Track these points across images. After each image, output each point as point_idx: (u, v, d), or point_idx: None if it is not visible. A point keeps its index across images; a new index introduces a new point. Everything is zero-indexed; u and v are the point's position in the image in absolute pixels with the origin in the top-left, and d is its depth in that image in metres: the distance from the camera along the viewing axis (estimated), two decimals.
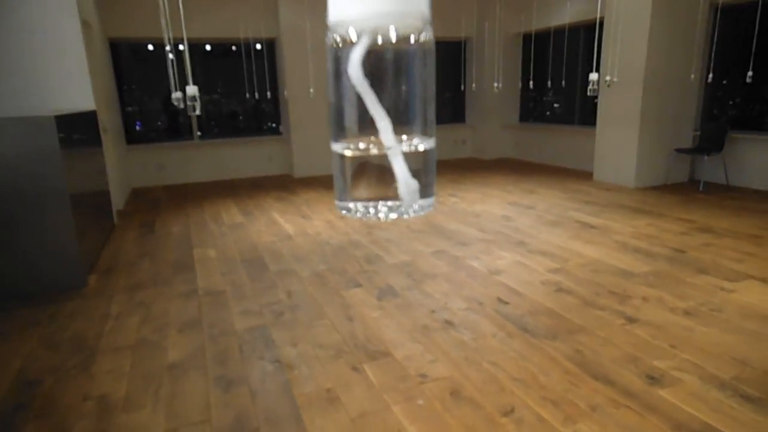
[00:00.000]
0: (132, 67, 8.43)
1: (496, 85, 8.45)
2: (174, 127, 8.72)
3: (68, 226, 3.62)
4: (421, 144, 0.40)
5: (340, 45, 0.36)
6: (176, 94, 3.10)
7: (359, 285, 3.62)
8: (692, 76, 6.41)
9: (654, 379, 2.34)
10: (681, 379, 2.33)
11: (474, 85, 9.61)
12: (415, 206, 0.40)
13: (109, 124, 6.47)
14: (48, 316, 3.26)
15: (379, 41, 0.35)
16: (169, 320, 3.15)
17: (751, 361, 2.47)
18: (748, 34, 6.36)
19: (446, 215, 5.62)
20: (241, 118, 9.23)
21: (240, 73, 8.59)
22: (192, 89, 2.70)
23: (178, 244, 4.83)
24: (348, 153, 0.41)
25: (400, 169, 0.38)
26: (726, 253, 4.05)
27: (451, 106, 10.37)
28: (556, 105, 9.45)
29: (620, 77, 6.57)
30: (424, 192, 0.41)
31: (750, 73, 4.84)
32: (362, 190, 0.42)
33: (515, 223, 5.17)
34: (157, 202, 6.86)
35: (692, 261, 3.89)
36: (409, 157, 0.41)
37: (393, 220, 0.41)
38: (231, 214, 6.04)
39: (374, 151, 0.41)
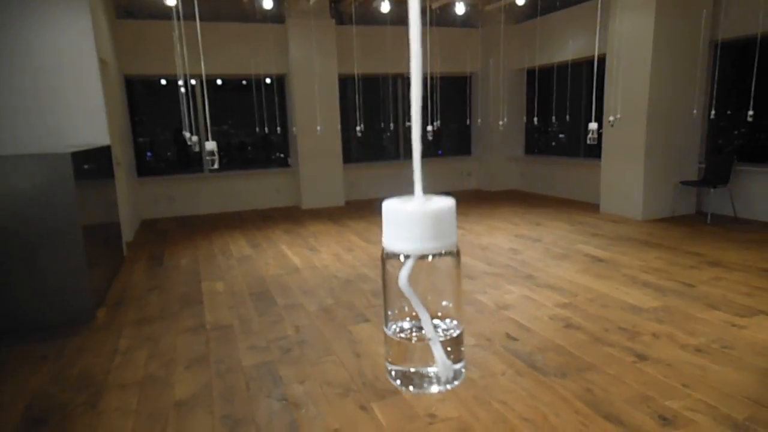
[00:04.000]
0: (145, 99, 8.62)
1: (501, 122, 8.56)
2: (184, 159, 8.87)
3: (79, 260, 3.66)
4: (455, 330, 0.51)
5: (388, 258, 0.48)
6: (193, 138, 3.16)
7: (367, 320, 3.62)
8: (694, 111, 6.47)
9: (667, 420, 2.30)
10: (694, 420, 2.29)
11: (480, 119, 9.74)
12: (454, 383, 0.50)
13: (122, 157, 6.59)
14: (56, 351, 3.27)
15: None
16: (177, 356, 3.15)
17: (765, 400, 2.43)
18: (748, 68, 6.45)
19: None
20: (249, 148, 9.37)
21: (250, 107, 8.76)
22: (211, 145, 2.74)
23: (187, 277, 4.86)
24: (398, 339, 0.49)
25: (440, 355, 0.48)
26: (737, 287, 4.02)
27: (456, 139, 10.49)
28: (561, 135, 9.52)
29: (623, 112, 6.64)
30: (458, 370, 0.51)
31: (751, 112, 4.86)
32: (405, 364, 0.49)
33: (522, 256, 5.16)
34: (166, 234, 6.92)
35: (702, 296, 3.86)
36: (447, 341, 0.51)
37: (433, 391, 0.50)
38: (239, 246, 6.08)
39: (416, 340, 0.51)
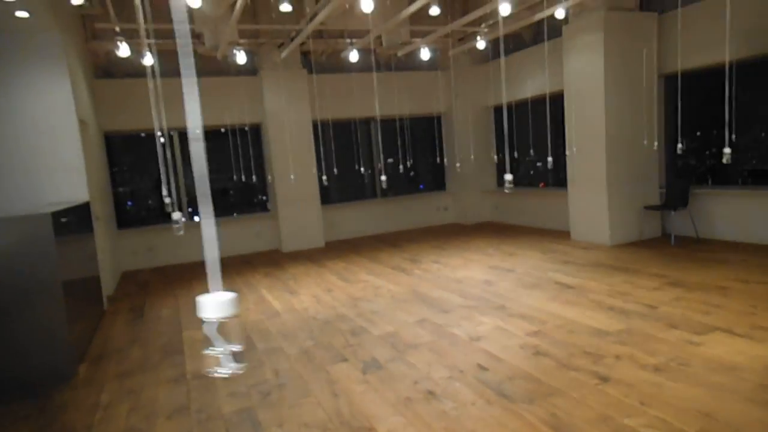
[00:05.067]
0: (127, 148, 8.77)
1: (471, 156, 8.88)
2: (164, 208, 8.98)
3: (59, 317, 3.74)
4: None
5: None
6: (166, 200, 3.33)
7: (345, 359, 3.73)
8: (645, 141, 6.82)
9: None
10: None
11: (446, 158, 10.10)
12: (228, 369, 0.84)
13: (101, 211, 6.69)
14: (38, 409, 3.31)
15: None
16: (158, 407, 3.22)
17: (715, 413, 2.59)
18: (695, 98, 6.88)
19: (430, 282, 5.78)
20: (231, 192, 9.54)
21: (229, 154, 8.98)
22: (176, 215, 2.93)
23: (168, 327, 4.92)
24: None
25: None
26: (695, 306, 4.23)
27: (431, 175, 10.79)
28: (539, 164, 9.87)
29: (584, 143, 6.99)
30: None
31: (680, 145, 5.12)
32: None
33: (496, 288, 5.34)
34: (146, 286, 6.97)
35: (663, 316, 4.06)
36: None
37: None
38: None
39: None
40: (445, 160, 10.45)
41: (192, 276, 7.33)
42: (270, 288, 6.18)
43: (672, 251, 6.28)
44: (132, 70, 8.01)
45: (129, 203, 8.81)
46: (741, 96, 6.19)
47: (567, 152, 7.20)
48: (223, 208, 9.40)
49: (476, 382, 3.18)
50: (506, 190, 3.06)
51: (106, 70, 8.17)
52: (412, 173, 10.71)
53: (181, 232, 3.00)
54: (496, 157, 9.64)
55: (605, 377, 3.09)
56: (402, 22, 7.52)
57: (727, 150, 4.37)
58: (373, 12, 7.00)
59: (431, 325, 4.33)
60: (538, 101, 8.73)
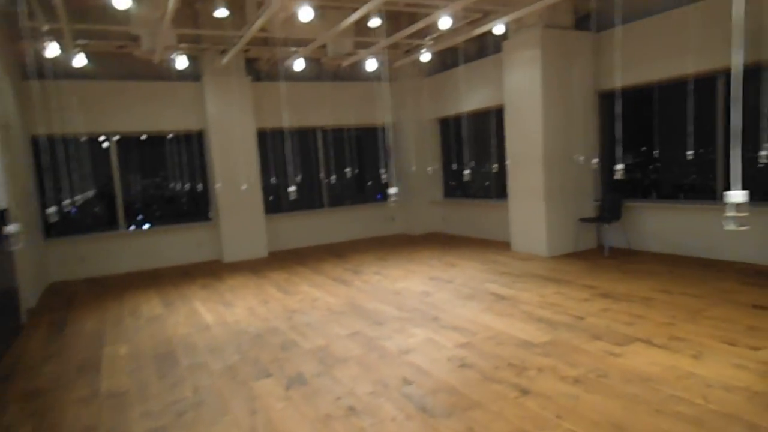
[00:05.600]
0: (58, 158, 8.34)
1: (413, 167, 8.93)
2: (103, 216, 8.62)
3: None
4: None
5: None
6: (49, 210, 3.16)
7: (270, 375, 3.62)
8: (575, 156, 7.02)
9: None
10: None
11: (392, 169, 10.13)
12: None
13: (24, 219, 6.31)
14: None
15: None
16: (63, 429, 3.01)
17: (626, 425, 2.64)
18: (636, 114, 7.17)
19: (368, 294, 5.73)
20: (183, 201, 9.23)
21: (172, 160, 8.71)
22: (13, 228, 2.79)
23: (89, 342, 4.66)
24: None
25: None
26: (619, 317, 4.35)
27: (377, 185, 10.78)
28: (485, 183, 10.02)
29: (523, 156, 7.16)
30: None
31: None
32: None
33: (433, 299, 5.35)
34: (74, 297, 6.62)
35: (589, 327, 4.15)
36: None
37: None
38: (151, 305, 5.91)
39: None
40: (386, 170, 10.48)
41: (125, 287, 7.02)
42: (205, 300, 5.98)
43: (605, 262, 6.48)
44: (65, 71, 7.64)
45: (73, 210, 8.39)
46: (674, 112, 6.48)
47: (507, 164, 7.34)
48: (165, 217, 9.08)
49: (399, 396, 3.14)
50: (391, 204, 3.03)
51: (36, 71, 7.76)
52: (369, 183, 10.67)
53: (19, 245, 2.82)
54: (430, 169, 9.78)
55: (526, 390, 3.11)
56: (347, 32, 7.51)
57: (619, 166, 4.60)
58: (316, 21, 6.96)
59: (363, 338, 4.28)
60: (484, 113, 8.89)
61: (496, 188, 9.19)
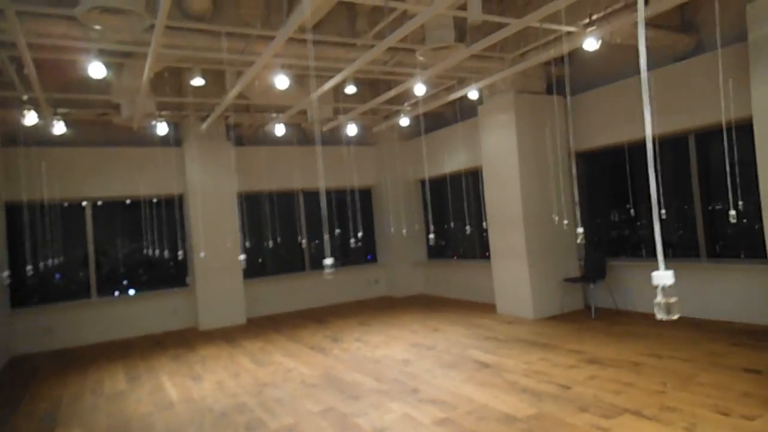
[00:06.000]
0: (35, 225, 8.13)
1: (391, 228, 8.84)
2: (76, 284, 8.34)
3: None
4: None
5: None
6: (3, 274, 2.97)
7: None
8: (552, 215, 6.96)
9: None
10: None
11: (379, 229, 10.06)
12: None
13: None
14: None
15: None
16: None
17: None
18: (608, 174, 7.20)
19: (346, 363, 5.45)
20: (148, 266, 8.96)
21: (152, 225, 8.55)
22: None
23: (38, 427, 4.30)
24: None
25: None
26: (608, 385, 4.12)
27: (363, 247, 10.63)
28: (472, 241, 9.93)
29: (503, 216, 7.10)
30: None
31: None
32: None
33: (413, 368, 5.08)
34: (34, 373, 6.23)
35: (575, 398, 3.91)
36: None
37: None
38: (115, 380, 5.56)
39: None
40: (377, 232, 10.41)
41: (92, 359, 6.64)
42: (172, 373, 5.65)
43: (591, 324, 6.28)
44: (44, 138, 7.60)
45: (57, 276, 8.13)
46: (655, 170, 6.48)
47: (485, 226, 7.27)
48: (142, 283, 8.79)
49: None
50: (326, 277, 2.89)
51: (11, 138, 7.70)
52: (359, 243, 10.50)
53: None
54: (417, 227, 9.71)
55: None
56: (325, 99, 7.61)
57: (579, 230, 4.56)
58: (295, 88, 7.06)
59: (336, 415, 3.99)
60: (463, 175, 8.92)
61: (480, 249, 9.08)
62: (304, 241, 9.77)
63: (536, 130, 7.02)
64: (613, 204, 7.34)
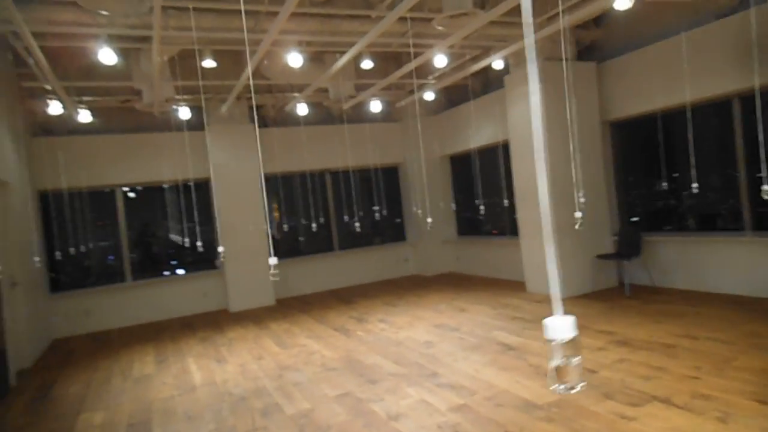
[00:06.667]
0: (75, 211, 8.37)
1: (415, 208, 8.67)
2: (149, 259, 8.63)
3: None
4: None
5: None
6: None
7: None
8: (581, 196, 6.59)
9: None
10: None
11: (415, 208, 9.91)
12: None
13: (23, 276, 6.24)
14: None
15: None
16: None
17: None
18: (642, 144, 6.78)
19: (368, 345, 5.39)
20: (177, 249, 9.15)
21: (179, 210, 8.69)
22: None
23: (67, 409, 4.43)
24: None
25: None
26: (637, 369, 3.90)
27: (391, 225, 10.52)
28: (502, 216, 9.68)
29: (530, 191, 6.81)
30: None
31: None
32: None
33: (435, 350, 4.97)
34: (71, 356, 6.45)
35: (601, 383, 3.72)
36: None
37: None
38: (144, 363, 5.68)
39: None
40: (405, 210, 10.27)
41: (125, 341, 6.83)
42: (199, 356, 5.73)
43: (625, 303, 6.00)
44: (72, 127, 7.75)
45: (110, 258, 8.44)
46: (693, 138, 6.08)
47: (515, 201, 7.00)
48: (170, 266, 8.98)
49: None
50: (272, 278, 2.76)
51: (44, 128, 7.89)
52: (396, 219, 10.42)
53: None
54: (454, 205, 9.49)
55: None
56: (346, 75, 7.43)
57: (577, 214, 4.24)
58: (315, 66, 6.91)
59: (352, 400, 3.93)
60: (492, 149, 8.63)
61: (509, 225, 8.81)
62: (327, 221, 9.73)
63: (565, 100, 6.65)
64: (647, 176, 6.93)
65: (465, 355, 4.74)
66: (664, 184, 6.44)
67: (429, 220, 6.32)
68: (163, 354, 6.00)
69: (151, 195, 8.92)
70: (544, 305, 6.34)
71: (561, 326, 1.02)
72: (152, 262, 8.83)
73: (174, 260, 9.02)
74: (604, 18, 6.74)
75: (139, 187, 8.67)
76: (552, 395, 3.59)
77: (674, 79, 5.93)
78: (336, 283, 9.54)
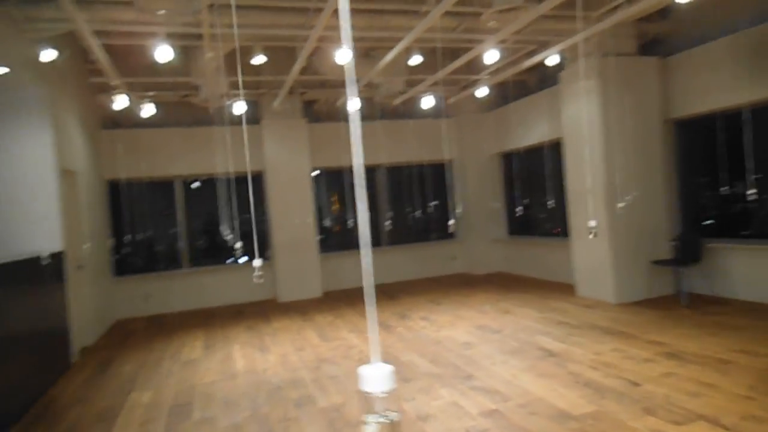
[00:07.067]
0: (137, 201, 8.87)
1: (459, 208, 8.53)
2: (213, 248, 9.10)
3: None
4: None
5: None
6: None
7: None
8: (632, 194, 6.27)
9: None
10: None
11: (454, 206, 9.81)
12: None
13: (89, 259, 6.68)
14: None
15: None
16: None
17: None
18: (710, 144, 6.36)
19: (407, 343, 5.39)
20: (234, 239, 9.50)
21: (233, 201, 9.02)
22: None
23: (120, 386, 4.71)
24: None
25: None
26: (685, 385, 3.68)
27: (440, 223, 10.44)
28: (554, 217, 9.41)
29: (584, 192, 6.56)
30: None
31: (593, 224, 4.21)
32: None
33: (473, 352, 4.90)
34: (130, 336, 6.85)
35: (644, 397, 3.54)
36: None
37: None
38: (193, 347, 5.95)
39: None
40: (454, 207, 10.16)
41: (179, 325, 7.18)
42: (244, 344, 5.93)
43: (680, 313, 5.67)
44: (137, 120, 8.19)
45: (180, 244, 8.97)
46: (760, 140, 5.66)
47: (566, 201, 6.75)
48: (226, 256, 9.34)
49: None
50: (256, 281, 2.75)
51: (114, 121, 8.37)
52: (451, 219, 10.36)
53: None
54: (499, 205, 9.31)
55: None
56: (397, 71, 7.42)
57: (592, 223, 3.91)
58: (363, 62, 6.94)
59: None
60: (547, 147, 8.37)
61: (562, 226, 8.53)
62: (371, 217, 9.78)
63: (624, 97, 6.35)
64: (712, 179, 6.49)
65: (503, 358, 4.64)
66: (731, 188, 6.03)
67: (456, 211, 6.21)
68: (212, 340, 6.25)
69: (212, 186, 9.30)
70: (594, 311, 6.10)
71: (377, 377, 0.79)
72: (216, 250, 9.22)
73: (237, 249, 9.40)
74: (670, 10, 6.36)
75: (202, 178, 9.03)
76: (589, 406, 3.46)
77: (747, 75, 5.52)
78: (382, 278, 9.58)
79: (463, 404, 3.68)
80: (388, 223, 8.19)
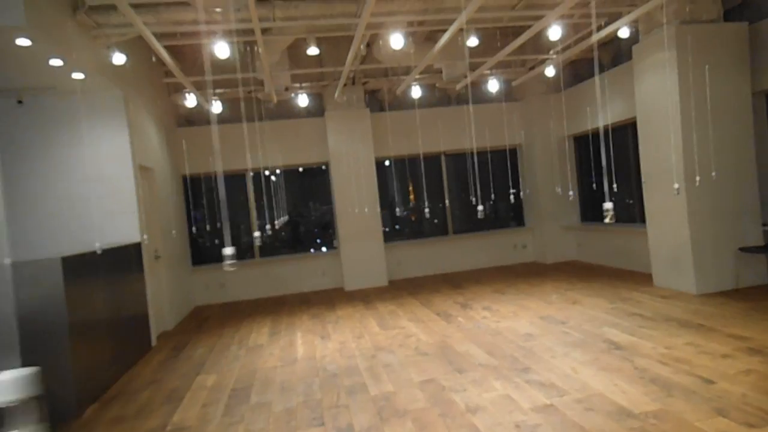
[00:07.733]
0: (212, 194, 9.38)
1: (526, 190, 8.19)
2: (295, 238, 9.64)
3: (63, 357, 3.93)
4: None
5: None
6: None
7: (321, 424, 3.44)
8: (710, 174, 5.69)
9: None
10: None
11: (526, 190, 9.48)
12: None
13: (166, 250, 7.13)
14: None
15: None
16: None
17: None
18: None
19: (465, 333, 5.29)
20: (316, 231, 9.79)
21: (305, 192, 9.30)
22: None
23: (189, 369, 5.00)
24: None
25: None
26: (765, 384, 3.33)
27: (509, 210, 10.14)
28: (631, 201, 8.85)
29: (659, 173, 6.08)
30: None
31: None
32: None
33: (534, 343, 4.71)
34: (205, 321, 7.25)
35: (716, 396, 3.23)
36: None
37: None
38: (260, 334, 6.19)
39: None
40: (522, 194, 9.83)
41: (249, 313, 7.50)
42: (307, 331, 6.08)
43: None
44: (209, 117, 8.59)
45: (255, 235, 9.47)
46: None
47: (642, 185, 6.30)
48: (297, 245, 9.65)
49: None
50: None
51: (188, 119, 8.85)
52: (481, 215, 10.13)
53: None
54: (571, 193, 8.87)
55: None
56: (459, 55, 7.24)
57: (607, 205, 3.38)
58: (423, 47, 6.83)
59: (435, 387, 3.89)
60: (623, 128, 7.85)
61: (639, 212, 7.99)
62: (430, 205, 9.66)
63: (706, 69, 5.79)
64: None
65: (565, 351, 4.43)
66: None
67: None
68: (278, 327, 6.47)
69: (291, 178, 9.66)
70: (671, 301, 5.67)
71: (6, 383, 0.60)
72: (299, 240, 9.60)
73: (318, 239, 9.71)
74: None
75: (278, 171, 9.35)
76: (653, 404, 3.21)
77: None
78: (449, 267, 9.47)
79: (515, 397, 3.55)
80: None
